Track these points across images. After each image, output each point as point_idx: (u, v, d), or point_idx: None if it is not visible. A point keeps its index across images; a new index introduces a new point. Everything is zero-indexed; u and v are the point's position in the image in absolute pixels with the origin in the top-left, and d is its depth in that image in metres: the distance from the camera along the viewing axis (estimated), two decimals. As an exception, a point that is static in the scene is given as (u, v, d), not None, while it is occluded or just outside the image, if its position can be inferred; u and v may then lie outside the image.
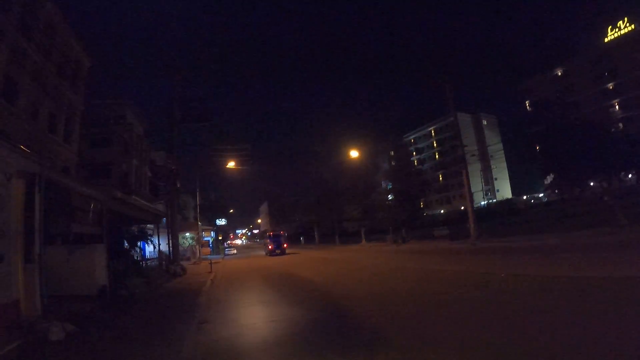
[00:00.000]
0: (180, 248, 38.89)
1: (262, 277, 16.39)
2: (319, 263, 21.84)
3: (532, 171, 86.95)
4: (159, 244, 20.13)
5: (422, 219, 38.51)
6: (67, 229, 9.42)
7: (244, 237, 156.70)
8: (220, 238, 76.51)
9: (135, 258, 16.73)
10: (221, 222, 74.50)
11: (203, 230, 45.64)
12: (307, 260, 25.03)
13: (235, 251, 48.99)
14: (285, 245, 39.87)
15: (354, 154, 37.60)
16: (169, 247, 22.00)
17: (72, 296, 10.22)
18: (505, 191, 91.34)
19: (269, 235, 42.78)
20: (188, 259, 33.50)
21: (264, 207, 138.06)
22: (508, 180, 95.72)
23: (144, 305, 10.46)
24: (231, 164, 33.00)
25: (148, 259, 19.34)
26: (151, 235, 28.95)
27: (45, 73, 18.84)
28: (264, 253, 43.17)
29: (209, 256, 41.74)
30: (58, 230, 9.45)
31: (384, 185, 39.03)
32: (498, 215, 40.08)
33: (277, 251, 37.81)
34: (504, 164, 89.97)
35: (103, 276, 11.09)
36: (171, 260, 20.13)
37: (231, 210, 79.67)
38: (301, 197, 68.28)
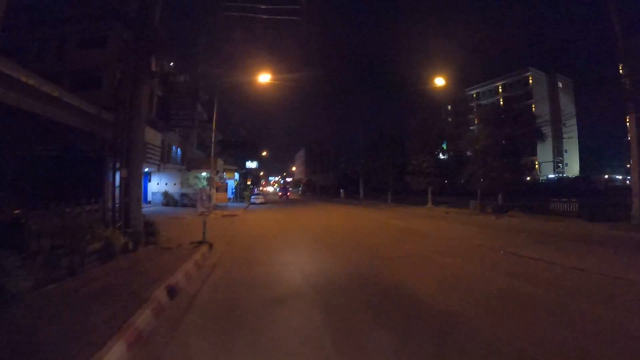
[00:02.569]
0: (191, 191, 29.52)
1: (314, 283, 6.25)
2: (409, 238, 11.49)
3: (605, 149, 73.38)
4: (114, 186, 10.11)
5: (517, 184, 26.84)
6: None
7: (276, 185, 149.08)
8: (249, 183, 67.67)
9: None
10: (252, 164, 65.04)
11: (225, 170, 35.96)
12: (377, 228, 14.76)
13: (263, 199, 39.30)
14: (288, 194, 71.61)
15: (439, 81, 25.76)
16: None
17: None
18: (573, 167, 76.91)
19: (280, 187, 74.66)
20: (194, 206, 23.97)
21: (300, 154, 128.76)
22: (578, 155, 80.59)
23: None
24: (267, 77, 22.29)
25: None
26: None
27: None
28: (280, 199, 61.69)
29: (227, 204, 32.40)
30: None
31: (475, 131, 27.33)
32: (577, 194, 30.24)
33: (283, 197, 65.64)
34: (575, 137, 74.77)
35: None
36: (129, 215, 9.91)
37: (264, 153, 69.91)
38: (348, 143, 57.28)
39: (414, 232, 14.43)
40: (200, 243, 9.87)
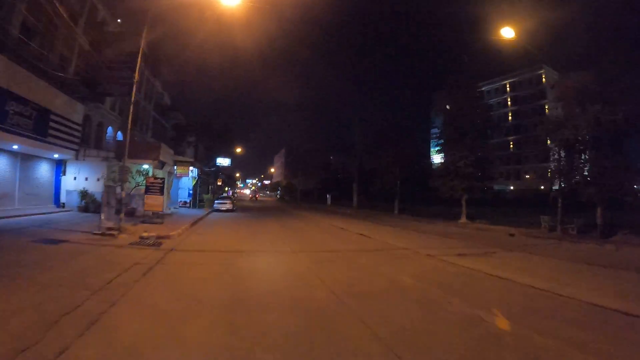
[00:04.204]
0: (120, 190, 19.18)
1: None
2: None
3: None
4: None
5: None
6: None
7: (253, 187, 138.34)
8: (220, 183, 57.17)
9: None
10: (224, 161, 54.57)
11: (176, 163, 25.52)
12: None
13: (230, 205, 28.54)
14: (257, 196, 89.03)
15: (507, 33, 16.43)
16: None
17: None
18: (586, 175, 69.46)
19: (252, 190, 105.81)
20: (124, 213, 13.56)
21: (280, 155, 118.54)
22: (591, 163, 73.38)
23: None
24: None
25: None
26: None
27: None
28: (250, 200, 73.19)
29: (176, 211, 22.32)
30: None
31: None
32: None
33: (253, 198, 79.49)
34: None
35: None
36: None
37: (239, 150, 59.47)
38: (340, 139, 47.82)
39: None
40: None
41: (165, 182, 24.85)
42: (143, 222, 15.18)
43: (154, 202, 15.26)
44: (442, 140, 27.50)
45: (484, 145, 23.69)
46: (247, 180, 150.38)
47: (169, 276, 6.86)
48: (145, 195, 15.51)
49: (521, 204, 37.99)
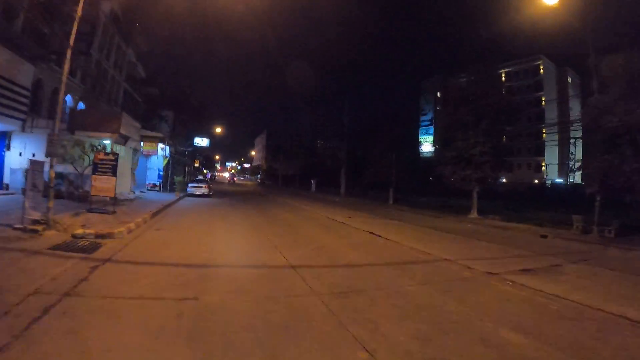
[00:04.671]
0: (73, 169, 15.42)
1: None
2: None
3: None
4: None
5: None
6: None
7: (232, 170, 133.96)
8: (197, 165, 53.47)
9: None
10: (202, 142, 50.63)
11: (142, 138, 21.68)
12: None
13: (206, 189, 24.84)
14: (235, 179, 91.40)
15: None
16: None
17: None
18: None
19: (231, 173, 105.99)
20: (75, 198, 9.89)
21: (260, 138, 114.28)
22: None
23: None
24: None
25: None
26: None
27: None
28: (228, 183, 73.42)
29: (144, 194, 18.88)
30: None
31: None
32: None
33: (231, 181, 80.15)
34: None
35: None
36: None
37: (218, 130, 55.39)
38: (327, 124, 44.52)
39: None
40: None
41: (131, 160, 21.25)
42: (90, 210, 11.72)
43: (104, 184, 11.75)
44: (439, 125, 24.81)
45: (502, 131, 20.87)
46: (227, 163, 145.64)
47: (69, 336, 3.52)
48: (92, 176, 11.95)
49: (515, 197, 35.95)
